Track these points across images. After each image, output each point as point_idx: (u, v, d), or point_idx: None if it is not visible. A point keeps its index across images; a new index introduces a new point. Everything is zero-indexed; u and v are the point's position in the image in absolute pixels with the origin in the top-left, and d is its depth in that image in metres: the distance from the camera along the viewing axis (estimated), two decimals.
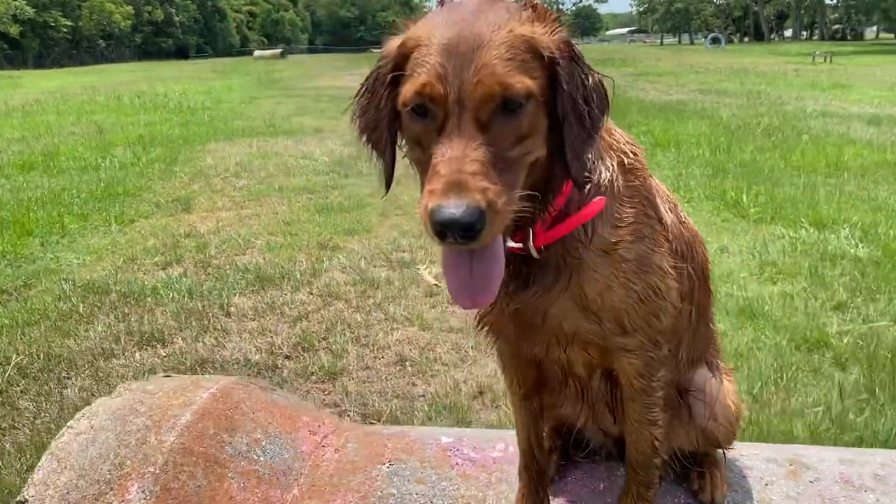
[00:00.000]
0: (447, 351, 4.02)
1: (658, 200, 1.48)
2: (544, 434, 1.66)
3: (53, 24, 71.11)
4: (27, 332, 4.39)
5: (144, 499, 1.32)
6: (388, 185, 1.41)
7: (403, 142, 1.36)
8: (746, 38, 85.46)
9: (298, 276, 5.15)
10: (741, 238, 6.05)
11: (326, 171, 8.87)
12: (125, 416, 1.48)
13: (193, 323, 4.46)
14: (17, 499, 1.38)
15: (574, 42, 1.33)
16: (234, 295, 4.86)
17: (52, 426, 3.39)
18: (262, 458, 1.46)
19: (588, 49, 71.83)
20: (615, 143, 1.44)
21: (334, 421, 1.71)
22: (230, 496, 1.37)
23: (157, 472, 1.36)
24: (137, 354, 4.09)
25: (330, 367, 3.85)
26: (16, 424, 3.45)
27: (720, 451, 1.67)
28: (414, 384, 3.71)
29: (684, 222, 1.56)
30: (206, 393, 1.57)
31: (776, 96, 16.38)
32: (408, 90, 1.26)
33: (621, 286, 1.38)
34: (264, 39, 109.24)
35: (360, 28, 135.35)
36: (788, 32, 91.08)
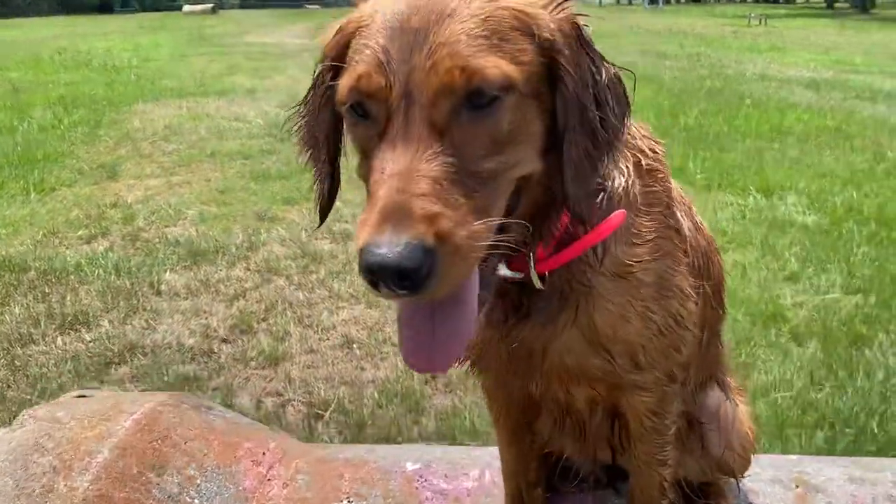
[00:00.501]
0: (397, 331, 3.81)
1: (675, 206, 1.26)
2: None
3: None
4: None
5: None
6: (322, 214, 1.15)
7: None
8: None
9: (234, 249, 4.84)
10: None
11: (261, 135, 8.44)
12: (28, 456, 1.23)
13: (121, 303, 4.13)
14: None
15: (583, 23, 1.05)
16: (165, 271, 4.53)
17: None
18: (196, 502, 1.23)
19: None
20: (630, 139, 1.18)
21: (281, 444, 1.48)
22: None
23: None
24: (59, 339, 3.76)
25: (271, 352, 3.60)
26: None
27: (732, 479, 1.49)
28: (363, 368, 3.50)
29: (700, 228, 1.34)
30: (128, 420, 1.32)
31: (716, 59, 16.43)
32: (343, 84, 0.97)
33: (638, 316, 1.15)
34: None
35: None
36: None
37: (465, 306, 0.95)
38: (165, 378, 3.38)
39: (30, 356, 3.58)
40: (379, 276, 0.84)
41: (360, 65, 0.96)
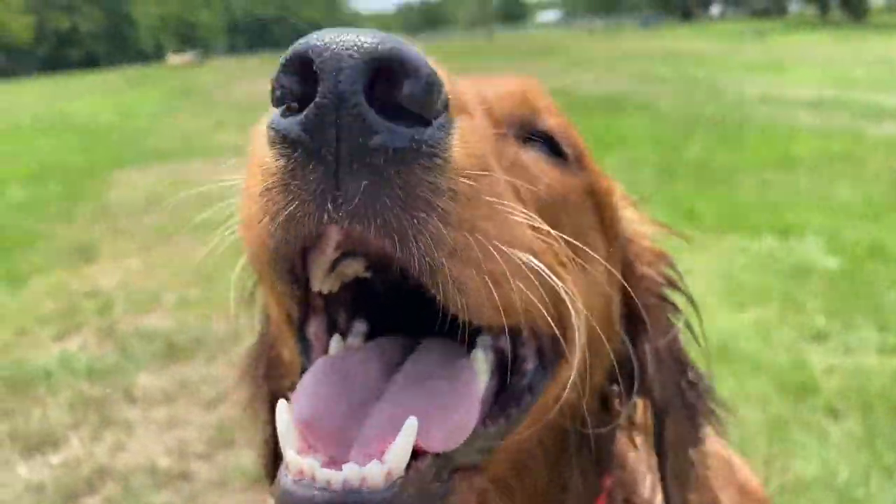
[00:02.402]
0: None
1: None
2: None
3: None
4: None
5: None
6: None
7: None
8: (674, 18, 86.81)
9: (214, 343, 4.50)
10: (702, 254, 5.62)
11: None
12: None
13: (91, 416, 3.79)
14: None
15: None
16: (140, 372, 4.20)
17: None
18: None
19: (519, 38, 71.81)
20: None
21: None
22: None
23: None
24: (23, 467, 3.42)
25: (254, 470, 3.24)
26: None
27: None
28: None
29: (750, 493, 1.00)
30: None
31: (714, 81, 16.22)
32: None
33: None
34: (180, 44, 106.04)
35: (282, 26, 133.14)
36: (715, 10, 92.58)
37: (458, 392, 0.61)
38: None
39: None
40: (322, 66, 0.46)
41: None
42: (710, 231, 6.15)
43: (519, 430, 0.65)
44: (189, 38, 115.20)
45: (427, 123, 0.48)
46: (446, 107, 0.48)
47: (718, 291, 4.91)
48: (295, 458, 0.53)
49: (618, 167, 8.62)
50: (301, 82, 0.46)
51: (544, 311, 0.56)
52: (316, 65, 0.45)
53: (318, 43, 0.44)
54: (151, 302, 5.25)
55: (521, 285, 0.52)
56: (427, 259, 0.47)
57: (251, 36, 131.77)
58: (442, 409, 0.56)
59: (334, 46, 0.44)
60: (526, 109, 0.73)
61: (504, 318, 0.53)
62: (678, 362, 0.78)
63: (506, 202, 0.51)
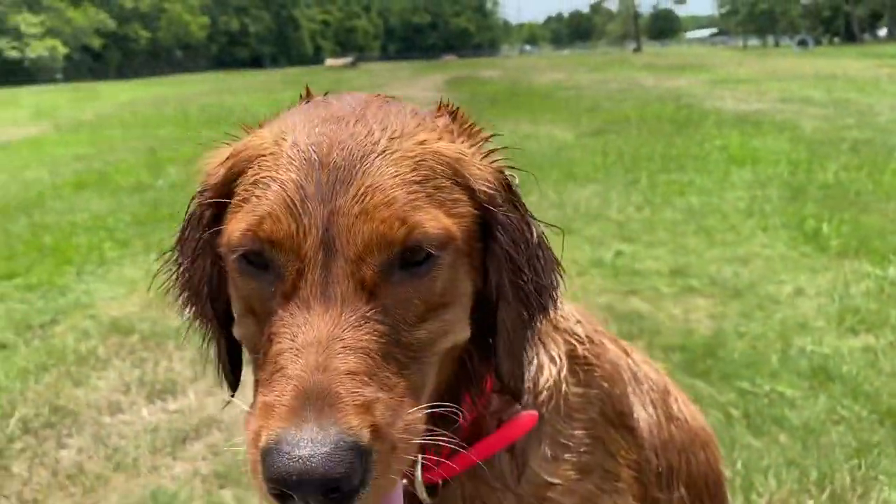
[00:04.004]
0: None
1: (629, 398, 1.02)
2: None
3: (134, 37, 74.12)
4: (40, 377, 4.20)
5: None
6: (233, 384, 0.99)
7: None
8: (836, 39, 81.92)
9: None
10: (820, 277, 5.43)
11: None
12: None
13: (209, 373, 4.17)
14: None
15: (511, 175, 0.89)
16: None
17: (40, 496, 3.15)
18: None
19: (665, 53, 70.07)
20: (562, 321, 1.00)
21: None
22: None
23: None
24: (145, 410, 3.83)
25: None
26: (4, 493, 3.22)
27: None
28: None
29: (676, 418, 1.10)
30: None
31: (867, 105, 15.30)
32: (235, 227, 0.81)
33: None
34: (338, 48, 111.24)
35: (433, 34, 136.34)
36: (883, 32, 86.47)
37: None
38: (237, 458, 3.34)
39: (113, 427, 3.66)
40: (296, 487, 0.65)
41: (262, 203, 0.80)
42: (833, 254, 5.91)
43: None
44: (346, 42, 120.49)
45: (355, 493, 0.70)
46: (362, 483, 0.70)
47: (830, 314, 4.74)
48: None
49: (747, 184, 8.39)
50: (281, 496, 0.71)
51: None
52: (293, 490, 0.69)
53: (293, 476, 0.68)
54: None
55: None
56: None
57: (405, 42, 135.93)
58: None
59: (301, 484, 0.68)
60: (384, 250, 0.77)
61: None
62: (512, 262, 0.84)
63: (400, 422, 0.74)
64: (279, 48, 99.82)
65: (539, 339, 0.94)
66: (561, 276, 0.88)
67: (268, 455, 0.66)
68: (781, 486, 3.00)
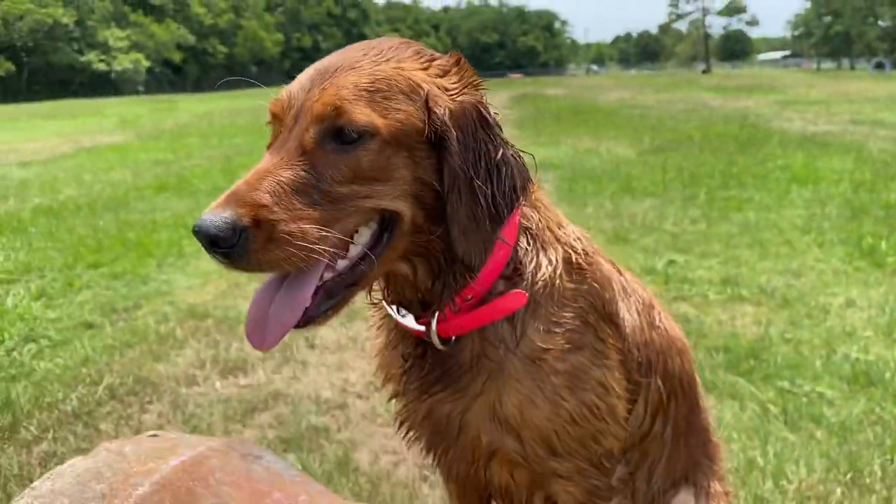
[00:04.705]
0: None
1: (617, 302, 1.26)
2: None
3: (211, 52, 77.02)
4: (125, 353, 4.60)
5: None
6: None
7: None
8: None
9: None
10: (873, 291, 5.48)
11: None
12: (87, 482, 1.45)
13: (277, 354, 4.51)
14: None
15: (489, 106, 1.16)
16: (322, 327, 4.88)
17: None
18: None
19: (734, 75, 69.00)
20: (563, 235, 1.25)
21: (315, 498, 1.61)
22: None
23: None
24: (218, 383, 4.18)
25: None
26: (91, 446, 3.59)
27: None
28: None
29: (658, 326, 1.33)
30: (176, 461, 1.51)
31: None
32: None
33: (547, 402, 1.19)
34: None
35: (500, 53, 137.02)
36: None
37: (297, 295, 1.11)
38: (300, 426, 3.65)
39: (189, 396, 4.01)
40: (198, 237, 1.05)
41: (281, 92, 1.16)
42: (889, 270, 5.94)
43: (388, 255, 1.15)
44: None
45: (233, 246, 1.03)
46: (239, 237, 1.03)
47: (879, 325, 4.81)
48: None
49: (806, 202, 8.40)
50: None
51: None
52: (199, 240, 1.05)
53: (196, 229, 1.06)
54: None
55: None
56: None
57: (472, 60, 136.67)
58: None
59: (199, 236, 1.07)
60: (323, 122, 1.09)
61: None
62: (464, 171, 1.11)
63: (286, 226, 1.05)
64: None
65: (541, 245, 1.19)
66: (525, 186, 1.12)
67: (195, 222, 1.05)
68: (811, 475, 3.13)
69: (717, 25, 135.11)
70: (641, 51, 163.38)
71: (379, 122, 1.09)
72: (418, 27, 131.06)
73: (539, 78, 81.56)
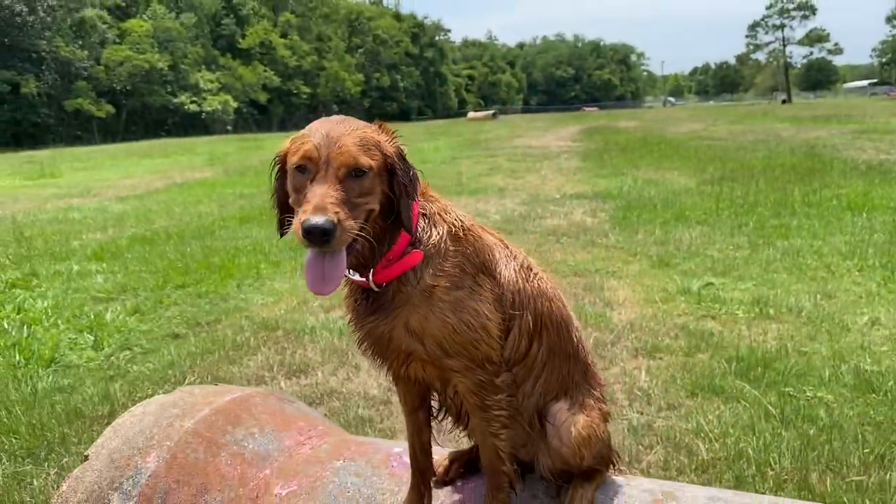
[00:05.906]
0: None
1: (496, 261, 1.86)
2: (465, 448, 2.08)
3: (295, 92, 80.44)
4: (205, 357, 5.30)
5: (158, 462, 1.87)
6: (281, 233, 1.87)
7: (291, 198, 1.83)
8: None
9: None
10: None
11: (494, 226, 9.43)
12: (167, 407, 2.06)
13: (334, 359, 5.13)
14: (85, 453, 1.99)
15: (403, 149, 1.86)
16: None
17: None
18: (250, 446, 1.97)
19: (815, 104, 67.38)
20: (448, 217, 1.90)
21: (328, 429, 2.18)
22: (218, 468, 1.88)
23: (172, 445, 1.91)
24: (283, 383, 4.81)
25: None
26: None
27: (600, 473, 1.96)
28: None
29: (530, 281, 1.92)
30: (229, 396, 2.10)
31: None
32: (291, 158, 1.77)
33: (437, 318, 1.80)
34: (481, 101, 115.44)
35: (575, 87, 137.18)
36: None
37: (340, 260, 1.67)
38: (348, 416, 4.23)
39: None
40: (312, 234, 1.57)
41: (305, 146, 1.75)
42: None
43: (366, 233, 1.74)
44: (490, 95, 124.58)
45: (331, 238, 1.60)
46: (333, 232, 1.60)
47: None
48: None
49: (854, 229, 8.56)
50: (308, 238, 1.61)
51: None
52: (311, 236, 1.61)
53: (311, 227, 1.58)
54: None
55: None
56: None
57: (547, 94, 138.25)
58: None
59: (314, 232, 1.59)
60: (349, 166, 1.68)
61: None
62: (402, 184, 1.75)
63: (344, 220, 1.64)
64: (426, 102, 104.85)
65: (432, 223, 1.86)
66: (416, 184, 1.81)
67: (303, 223, 1.58)
68: (794, 463, 3.49)
69: (798, 55, 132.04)
70: (719, 82, 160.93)
71: (372, 163, 1.73)
72: (493, 64, 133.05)
73: (613, 111, 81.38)
